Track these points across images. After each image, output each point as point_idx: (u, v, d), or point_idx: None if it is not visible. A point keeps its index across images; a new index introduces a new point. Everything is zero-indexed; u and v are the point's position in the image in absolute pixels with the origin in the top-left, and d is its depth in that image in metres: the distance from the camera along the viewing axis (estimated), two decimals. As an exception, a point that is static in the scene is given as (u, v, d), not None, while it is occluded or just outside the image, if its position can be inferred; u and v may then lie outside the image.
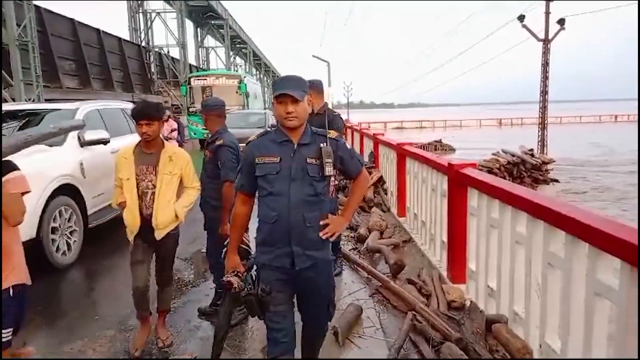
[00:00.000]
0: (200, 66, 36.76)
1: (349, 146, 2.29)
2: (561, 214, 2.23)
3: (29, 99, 14.86)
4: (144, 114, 3.03)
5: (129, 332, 3.41)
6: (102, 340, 3.32)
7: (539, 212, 2.48)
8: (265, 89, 63.07)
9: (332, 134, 2.23)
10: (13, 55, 14.35)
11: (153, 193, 3.04)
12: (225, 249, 2.46)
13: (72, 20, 20.57)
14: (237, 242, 2.37)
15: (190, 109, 19.17)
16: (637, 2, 20.28)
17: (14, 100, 14.53)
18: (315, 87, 4.21)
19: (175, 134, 11.03)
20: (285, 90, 2.08)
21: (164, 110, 3.00)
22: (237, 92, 18.78)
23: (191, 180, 3.25)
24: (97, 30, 22.63)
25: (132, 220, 3.08)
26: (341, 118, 4.29)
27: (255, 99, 23.80)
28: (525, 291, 2.67)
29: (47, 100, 15.85)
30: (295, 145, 2.15)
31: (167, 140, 8.48)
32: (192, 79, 19.88)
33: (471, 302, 3.28)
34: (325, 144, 2.17)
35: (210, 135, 3.55)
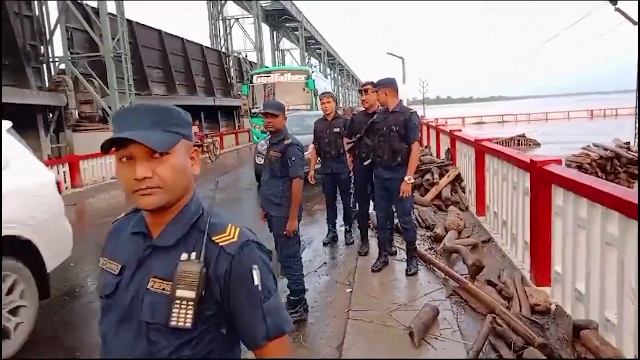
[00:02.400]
0: (277, 68, 37.74)
1: (257, 281, 1.02)
2: (658, 213, 2.05)
3: (123, 106, 16.09)
4: None
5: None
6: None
7: (632, 211, 2.29)
8: (339, 87, 63.40)
9: (230, 235, 1.04)
10: (109, 66, 15.63)
11: None
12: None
13: (159, 31, 22.05)
14: None
15: (252, 110, 16.72)
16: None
17: (110, 108, 15.83)
18: (390, 85, 4.18)
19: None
20: (127, 133, 0.98)
21: None
22: (304, 90, 16.20)
23: None
24: (181, 39, 24.05)
25: None
26: (418, 115, 4.23)
27: None
28: (618, 296, 2.48)
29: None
30: (149, 246, 1.06)
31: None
32: (254, 76, 17.53)
33: (557, 306, 3.10)
34: (195, 255, 1.01)
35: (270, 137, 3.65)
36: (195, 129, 18.23)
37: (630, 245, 2.35)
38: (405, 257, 4.37)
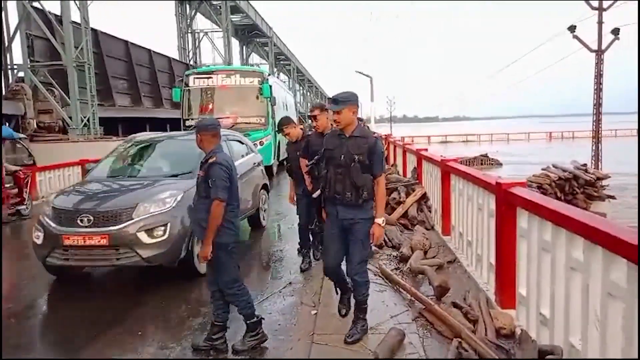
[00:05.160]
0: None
1: None
2: (623, 240, 2.05)
3: (85, 117, 15.63)
4: None
5: (170, 350, 3.43)
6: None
7: (596, 236, 2.30)
8: (308, 104, 63.76)
9: None
10: (71, 75, 15.16)
11: None
12: None
13: (125, 41, 21.61)
14: None
15: (187, 122, 12.80)
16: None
17: (70, 118, 15.31)
18: (357, 102, 3.80)
19: None
20: None
21: None
22: (257, 97, 12.58)
23: None
24: (148, 50, 23.66)
25: None
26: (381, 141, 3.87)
27: (286, 110, 16.33)
28: (583, 321, 2.48)
29: (101, 119, 16.61)
30: None
31: None
32: (191, 77, 13.15)
33: (522, 330, 3.09)
34: None
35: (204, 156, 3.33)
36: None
37: (595, 271, 2.35)
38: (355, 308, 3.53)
